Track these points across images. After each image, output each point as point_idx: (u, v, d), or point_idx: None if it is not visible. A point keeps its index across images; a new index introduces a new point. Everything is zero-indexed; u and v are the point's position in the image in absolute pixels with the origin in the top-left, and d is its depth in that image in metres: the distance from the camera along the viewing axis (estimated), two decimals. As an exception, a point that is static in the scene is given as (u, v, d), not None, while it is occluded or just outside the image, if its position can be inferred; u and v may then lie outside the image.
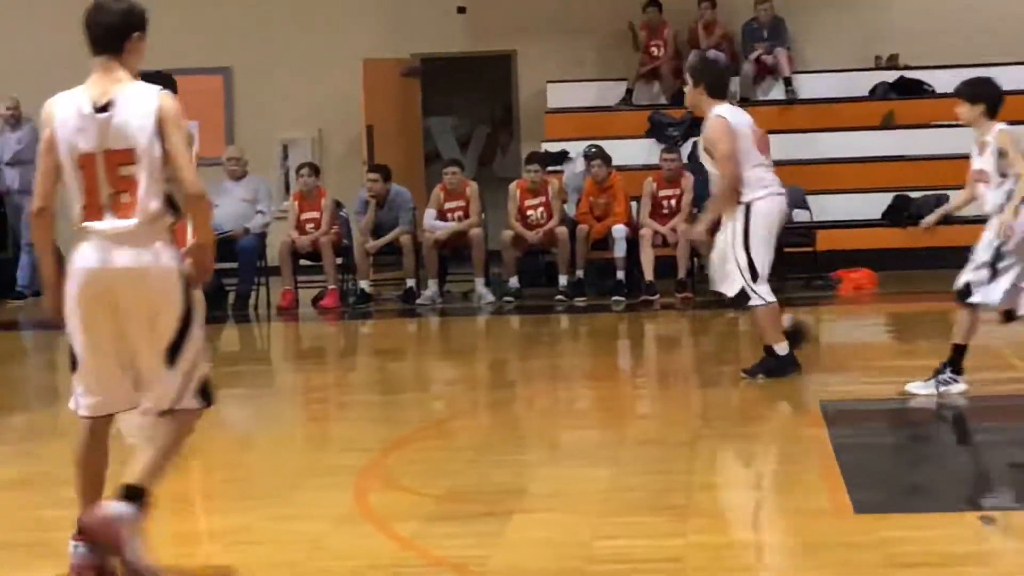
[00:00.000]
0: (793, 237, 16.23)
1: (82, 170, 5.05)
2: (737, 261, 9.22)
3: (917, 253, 16.61)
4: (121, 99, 5.08)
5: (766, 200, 9.27)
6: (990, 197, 8.75)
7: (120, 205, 5.03)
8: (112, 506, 5.01)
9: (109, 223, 5.03)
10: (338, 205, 16.08)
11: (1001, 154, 8.70)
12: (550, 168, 16.46)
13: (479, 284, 15.50)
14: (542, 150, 17.07)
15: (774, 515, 5.83)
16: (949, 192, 16.80)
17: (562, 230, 15.30)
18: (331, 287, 15.48)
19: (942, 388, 8.52)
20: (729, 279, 9.29)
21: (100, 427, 5.23)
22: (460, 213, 15.60)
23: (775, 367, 9.32)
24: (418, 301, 15.41)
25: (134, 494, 5.03)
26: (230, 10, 18.90)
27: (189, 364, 5.14)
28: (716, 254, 9.46)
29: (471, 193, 15.67)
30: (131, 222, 5.02)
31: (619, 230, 15.25)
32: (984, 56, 16.75)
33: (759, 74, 18.47)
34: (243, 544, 5.63)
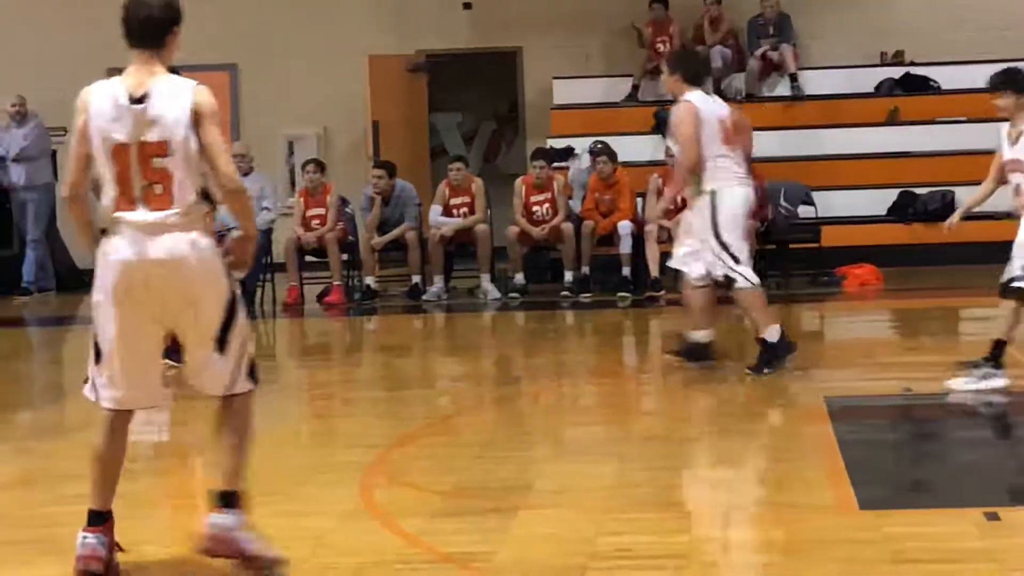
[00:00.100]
0: (798, 233, 16.26)
1: (115, 160, 5.05)
2: (713, 249, 9.40)
3: (922, 249, 16.61)
4: (157, 91, 5.09)
5: (730, 188, 9.46)
6: None
7: (153, 196, 5.04)
8: (217, 519, 5.11)
9: (143, 214, 5.04)
10: (344, 201, 16.08)
11: None
12: (556, 164, 16.46)
13: (484, 280, 15.51)
14: (548, 146, 17.07)
15: (778, 511, 5.83)
16: (954, 188, 16.82)
17: (567, 226, 15.30)
18: (336, 283, 15.49)
19: (983, 383, 8.51)
20: (708, 263, 9.46)
21: (121, 421, 5.24)
22: (465, 209, 15.60)
23: (773, 356, 9.42)
24: (423, 297, 15.42)
25: (229, 499, 5.14)
26: (236, 7, 18.91)
27: (239, 348, 5.18)
28: (683, 229, 9.65)
29: (476, 189, 15.67)
30: (166, 213, 5.03)
31: (624, 226, 15.25)
32: (990, 52, 16.72)
33: (765, 70, 18.47)
34: (248, 540, 5.63)
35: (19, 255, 17.76)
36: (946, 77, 17.93)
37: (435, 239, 15.43)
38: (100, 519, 5.16)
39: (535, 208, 15.52)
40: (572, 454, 7.66)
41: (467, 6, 19.12)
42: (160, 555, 5.50)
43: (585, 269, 15.42)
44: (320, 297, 15.51)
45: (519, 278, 15.49)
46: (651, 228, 15.08)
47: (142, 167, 5.04)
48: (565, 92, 18.73)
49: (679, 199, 10.89)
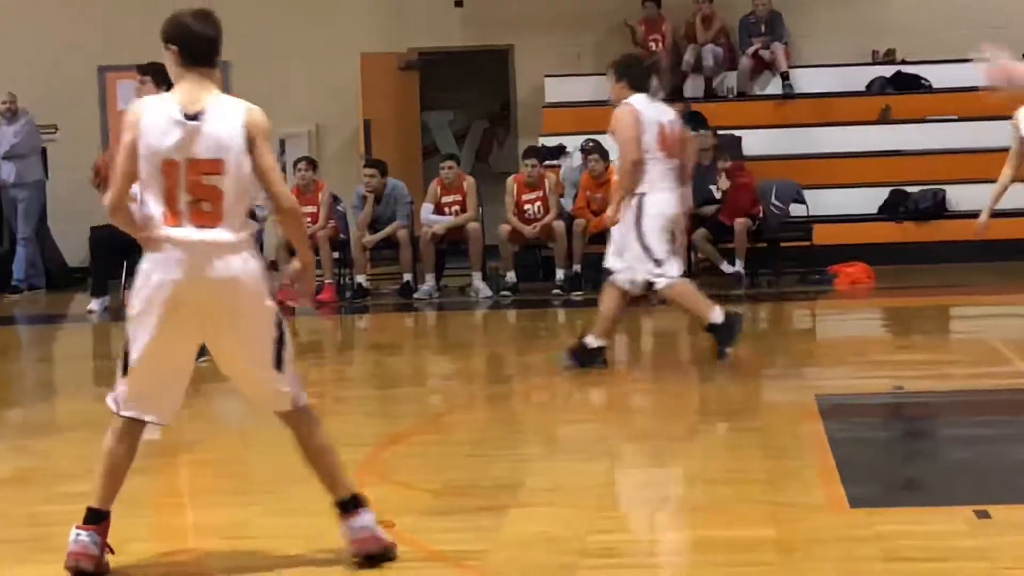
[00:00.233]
0: (790, 231, 16.28)
1: (164, 176, 5.05)
2: (634, 252, 9.55)
3: (913, 247, 16.65)
4: (212, 109, 5.12)
5: (658, 194, 9.60)
6: None
7: (200, 213, 5.05)
8: (356, 523, 5.20)
9: (194, 233, 5.05)
10: (335, 199, 16.08)
11: None
12: (547, 162, 16.47)
13: (476, 278, 15.52)
14: (539, 144, 17.08)
15: (770, 509, 5.83)
16: (945, 187, 16.85)
17: (559, 224, 15.31)
18: (328, 281, 15.49)
19: None
20: (629, 267, 9.61)
21: (137, 429, 5.24)
22: (457, 207, 15.61)
23: (727, 334, 9.59)
24: (415, 295, 15.42)
25: (350, 502, 5.23)
26: (229, 4, 18.88)
27: (291, 363, 5.24)
28: (616, 231, 9.77)
29: (468, 187, 15.68)
30: (216, 232, 5.05)
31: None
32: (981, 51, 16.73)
33: (756, 68, 18.49)
34: (241, 539, 5.64)
35: (9, 253, 17.75)
36: (937, 75, 17.95)
37: (426, 237, 15.43)
38: (97, 518, 5.16)
39: (527, 206, 15.53)
40: (564, 452, 7.66)
41: (459, 4, 19.11)
42: (148, 554, 5.49)
43: (576, 267, 15.44)
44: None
45: (511, 276, 15.51)
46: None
47: (192, 184, 5.05)
48: (557, 90, 18.73)
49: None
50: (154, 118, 5.09)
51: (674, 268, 9.63)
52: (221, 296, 5.07)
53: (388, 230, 15.56)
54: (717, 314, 9.62)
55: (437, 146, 20.90)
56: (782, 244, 16.25)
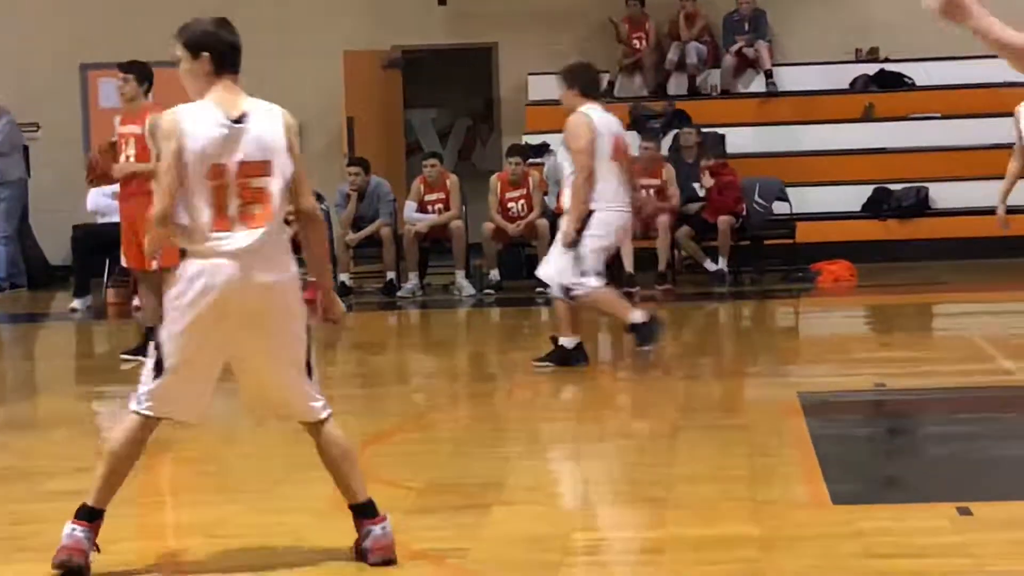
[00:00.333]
0: (773, 229, 16.30)
1: (212, 181, 5.03)
2: (566, 256, 9.55)
3: (896, 245, 16.68)
4: (253, 112, 5.13)
5: (605, 212, 9.59)
6: None
7: (250, 216, 5.05)
8: (378, 529, 5.14)
9: (241, 236, 5.04)
10: (319, 198, 16.03)
11: None
12: (531, 160, 16.46)
13: (460, 276, 15.51)
14: (523, 142, 17.07)
15: (753, 506, 5.83)
16: (928, 184, 16.88)
17: (543, 222, 15.30)
18: (311, 280, 15.44)
19: None
20: (559, 267, 9.64)
21: (149, 429, 5.19)
22: (440, 205, 15.60)
23: (648, 332, 9.62)
24: (399, 294, 15.41)
25: (366, 509, 5.19)
26: (210, 2, 18.85)
27: (316, 371, 5.25)
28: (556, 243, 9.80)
29: (451, 185, 15.67)
30: (263, 233, 5.05)
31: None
32: (964, 50, 16.72)
33: (740, 66, 18.51)
34: (225, 537, 5.62)
35: (-9, 251, 17.69)
36: (920, 74, 17.98)
37: (410, 235, 15.42)
38: (92, 516, 5.12)
39: (510, 204, 15.53)
40: (547, 450, 7.66)
41: (442, 2, 19.09)
42: (131, 552, 5.47)
43: (560, 265, 15.41)
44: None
45: (494, 274, 15.50)
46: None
47: (241, 187, 5.05)
48: (540, 88, 18.68)
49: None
50: (198, 123, 5.07)
51: (594, 281, 9.59)
52: (269, 300, 5.07)
53: (371, 228, 15.54)
54: (637, 315, 9.65)
55: (420, 144, 20.87)
56: (765, 242, 16.27)
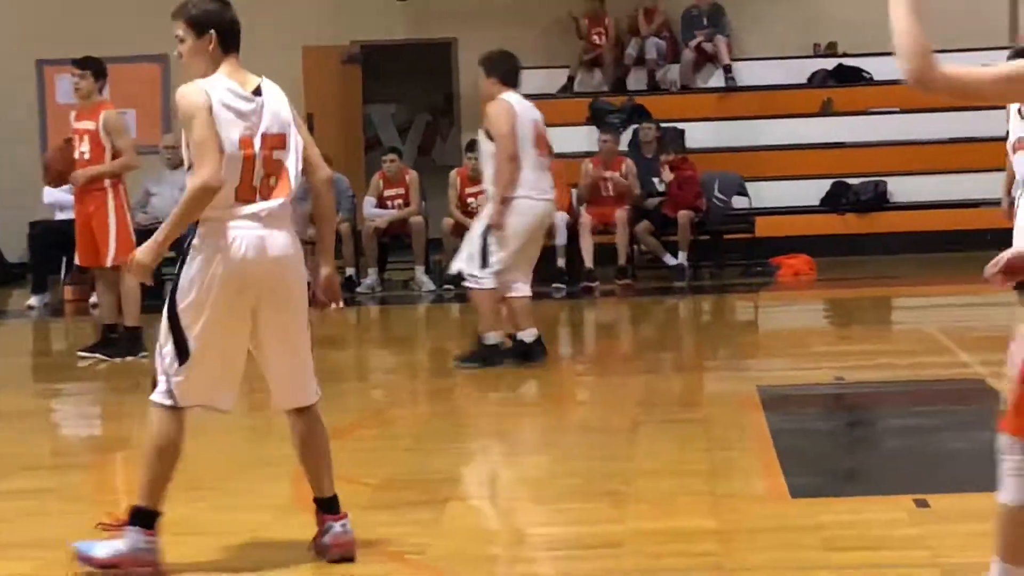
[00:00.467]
0: (732, 223, 16.34)
1: (241, 151, 5.02)
2: (474, 243, 9.57)
3: (855, 239, 16.74)
4: (266, 88, 5.17)
5: (525, 201, 9.56)
6: None
7: (269, 188, 5.08)
8: (338, 525, 5.12)
9: (265, 206, 5.04)
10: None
11: None
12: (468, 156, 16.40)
13: (419, 272, 15.48)
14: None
15: (712, 500, 5.84)
16: (887, 179, 16.95)
17: (502, 218, 15.27)
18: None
19: None
20: (465, 254, 9.68)
21: (183, 416, 5.11)
22: (400, 201, 15.57)
23: (483, 356, 9.63)
24: (358, 289, 15.37)
25: (330, 504, 5.17)
26: (167, -3, 18.79)
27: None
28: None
29: (411, 181, 15.64)
30: (279, 203, 5.06)
31: (560, 217, 15.23)
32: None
33: (699, 61, 18.53)
34: (185, 535, 5.58)
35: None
36: (879, 68, 18.02)
37: (369, 231, 15.38)
38: (150, 520, 5.10)
39: (470, 200, 15.48)
40: (505, 445, 7.65)
41: (401, -3, 19.05)
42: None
43: (520, 260, 15.40)
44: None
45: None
46: (585, 219, 15.14)
47: (265, 158, 5.06)
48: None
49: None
50: (225, 96, 5.05)
51: (491, 283, 9.56)
52: (284, 272, 5.07)
53: (331, 224, 15.48)
54: (492, 337, 9.63)
55: (380, 139, 20.83)
56: (725, 236, 16.30)
